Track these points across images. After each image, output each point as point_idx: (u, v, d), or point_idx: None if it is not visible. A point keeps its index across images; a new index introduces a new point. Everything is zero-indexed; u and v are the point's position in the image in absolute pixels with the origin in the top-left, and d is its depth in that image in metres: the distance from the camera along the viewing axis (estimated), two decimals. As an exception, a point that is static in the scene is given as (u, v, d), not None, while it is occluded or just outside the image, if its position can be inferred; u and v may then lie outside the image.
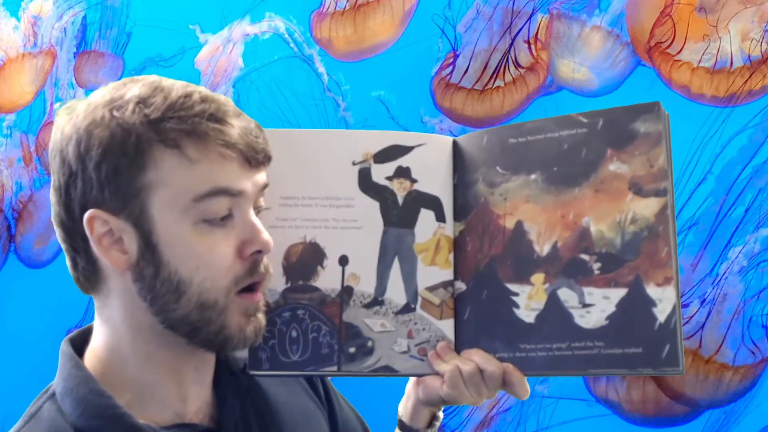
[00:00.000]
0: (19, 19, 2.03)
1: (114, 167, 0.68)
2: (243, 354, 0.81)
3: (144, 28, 1.87)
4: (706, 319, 1.38)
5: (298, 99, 1.70)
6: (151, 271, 0.69)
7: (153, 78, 0.72)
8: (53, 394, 0.74)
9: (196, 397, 0.77)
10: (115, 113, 0.69)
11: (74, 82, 1.95)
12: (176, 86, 0.71)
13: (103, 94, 0.72)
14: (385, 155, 0.82)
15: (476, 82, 1.55)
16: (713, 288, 1.38)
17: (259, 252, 0.72)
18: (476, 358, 0.78)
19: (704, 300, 1.38)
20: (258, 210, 0.74)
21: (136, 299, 0.71)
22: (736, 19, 1.36)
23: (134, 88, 0.71)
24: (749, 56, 1.36)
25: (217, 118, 0.70)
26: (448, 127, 1.57)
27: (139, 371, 0.74)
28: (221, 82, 1.78)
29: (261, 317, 0.74)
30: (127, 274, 0.70)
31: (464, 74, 1.56)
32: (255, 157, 0.72)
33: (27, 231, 2.02)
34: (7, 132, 2.06)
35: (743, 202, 1.37)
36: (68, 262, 0.74)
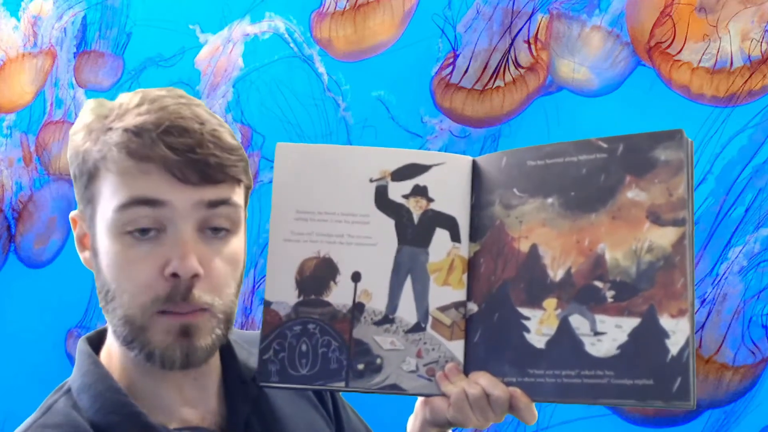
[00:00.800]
0: (19, 19, 2.03)
1: (78, 175, 0.73)
2: (253, 366, 0.82)
3: (144, 28, 1.87)
4: (706, 319, 1.38)
5: (298, 99, 1.70)
6: (96, 277, 0.73)
7: (147, 92, 0.74)
8: (69, 390, 0.75)
9: (199, 404, 0.77)
10: (95, 122, 0.73)
11: (74, 82, 1.95)
12: (140, 98, 0.72)
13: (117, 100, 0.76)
14: (402, 173, 0.82)
15: (476, 82, 1.55)
16: (713, 288, 1.38)
17: (174, 275, 0.69)
18: (483, 381, 0.77)
19: (704, 300, 1.38)
20: (216, 229, 0.71)
21: None
22: (736, 19, 1.36)
23: (119, 100, 0.75)
24: (749, 56, 1.36)
25: (166, 130, 0.68)
26: (448, 127, 1.57)
27: (140, 378, 0.75)
28: (221, 82, 1.78)
29: (202, 338, 0.71)
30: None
31: (464, 74, 1.56)
32: (193, 173, 0.68)
33: (27, 231, 2.02)
34: (7, 132, 2.06)
35: (743, 202, 1.37)
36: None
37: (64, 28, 1.97)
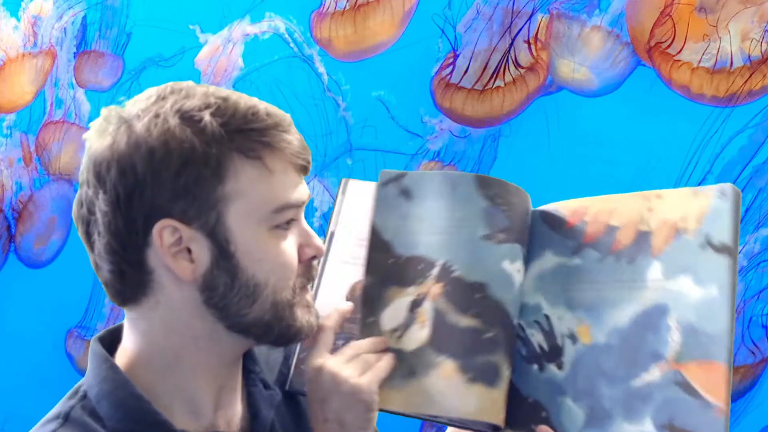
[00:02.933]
0: (19, 19, 2.03)
1: (195, 177, 0.68)
2: (275, 367, 0.84)
3: (144, 28, 1.87)
4: (706, 319, 1.38)
5: (298, 99, 1.71)
6: (226, 279, 0.70)
7: (205, 87, 0.73)
8: (85, 396, 0.73)
9: (228, 407, 0.78)
10: (193, 124, 0.69)
11: (74, 82, 1.95)
12: (240, 98, 0.72)
13: (161, 102, 0.71)
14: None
15: (476, 82, 1.55)
16: (713, 288, 1.38)
17: (315, 257, 0.76)
18: None
19: (704, 300, 1.38)
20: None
21: (198, 308, 0.72)
22: (736, 19, 1.36)
23: (195, 98, 0.71)
24: (749, 56, 1.36)
25: (285, 129, 0.72)
26: (448, 127, 1.57)
27: (182, 381, 0.74)
28: (221, 82, 1.78)
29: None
30: (189, 283, 0.71)
31: (464, 74, 1.56)
32: (308, 168, 0.75)
33: (27, 231, 2.02)
34: (7, 132, 2.06)
35: (743, 202, 1.37)
36: (109, 276, 0.72)
37: (64, 28, 1.97)
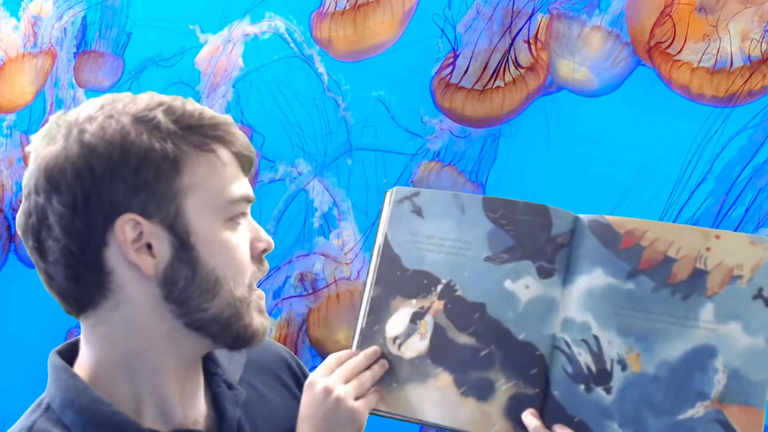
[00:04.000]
0: (19, 19, 2.03)
1: (154, 172, 0.70)
2: (239, 367, 0.85)
3: (144, 28, 1.87)
4: (706, 319, 1.38)
5: (298, 99, 1.70)
6: (187, 272, 0.71)
7: (149, 94, 0.75)
8: (48, 408, 0.73)
9: (193, 408, 0.78)
10: (146, 122, 0.71)
11: (74, 82, 1.95)
12: (184, 100, 0.75)
13: (110, 105, 0.72)
14: None
15: (476, 82, 1.55)
16: (713, 288, 1.38)
17: (265, 250, 0.77)
18: None
19: (704, 300, 1.38)
20: None
21: (158, 305, 0.72)
22: (736, 19, 1.36)
23: (143, 102, 0.73)
24: (749, 56, 1.36)
25: (232, 125, 0.76)
26: (448, 127, 1.57)
27: (145, 382, 0.74)
28: (221, 82, 1.78)
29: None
30: (149, 280, 0.71)
31: (464, 74, 1.56)
32: (252, 163, 0.78)
33: (27, 231, 2.02)
34: (7, 132, 2.06)
35: (743, 202, 1.37)
36: (65, 283, 0.73)
37: (64, 28, 1.97)
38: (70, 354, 0.78)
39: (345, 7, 1.66)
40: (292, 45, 1.72)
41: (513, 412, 0.81)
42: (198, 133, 0.72)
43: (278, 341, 1.68)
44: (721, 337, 0.78)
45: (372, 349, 0.84)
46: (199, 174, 0.72)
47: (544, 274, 0.83)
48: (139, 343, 0.74)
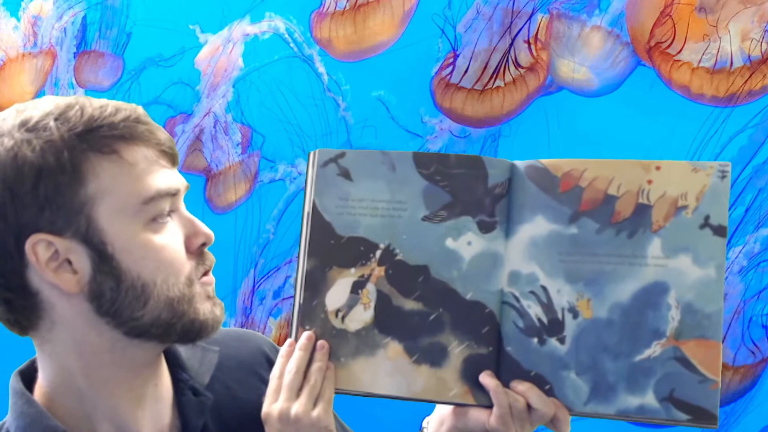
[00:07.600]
0: (19, 19, 2.03)
1: (54, 186, 0.66)
2: (210, 369, 0.82)
3: (144, 28, 1.87)
4: (706, 319, 1.38)
5: (298, 99, 1.70)
6: (111, 283, 0.68)
7: (51, 98, 0.71)
8: None
9: (157, 417, 0.76)
10: (37, 133, 0.67)
11: (74, 82, 1.95)
12: (87, 100, 0.70)
13: (0, 123, 0.69)
14: None
15: (476, 82, 1.55)
16: (713, 288, 1.38)
17: (204, 244, 0.74)
18: (531, 395, 0.76)
19: (704, 300, 1.38)
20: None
21: (92, 319, 0.70)
22: (736, 19, 1.36)
23: (37, 110, 0.69)
24: (749, 56, 1.36)
25: (143, 121, 0.71)
26: (448, 127, 1.57)
27: (96, 399, 0.73)
28: (221, 82, 1.78)
29: (218, 301, 0.76)
30: (76, 296, 0.69)
31: (464, 74, 1.56)
32: (173, 154, 0.73)
33: (27, 231, 2.02)
34: (7, 132, 2.06)
35: (743, 202, 1.37)
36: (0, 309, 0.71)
37: (64, 28, 1.97)
38: (31, 374, 0.76)
39: (345, 7, 1.66)
40: (292, 45, 1.72)
41: (469, 375, 0.79)
42: (95, 136, 0.67)
43: (278, 341, 1.68)
44: (672, 272, 0.76)
45: (305, 337, 0.79)
46: (105, 179, 0.67)
47: (485, 228, 0.80)
48: (81, 360, 0.72)
